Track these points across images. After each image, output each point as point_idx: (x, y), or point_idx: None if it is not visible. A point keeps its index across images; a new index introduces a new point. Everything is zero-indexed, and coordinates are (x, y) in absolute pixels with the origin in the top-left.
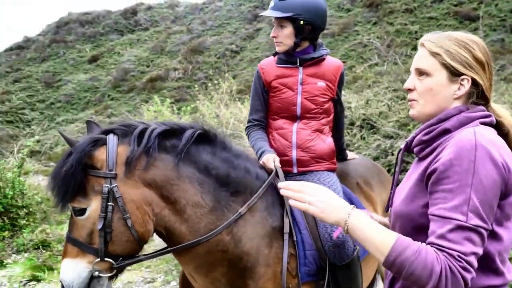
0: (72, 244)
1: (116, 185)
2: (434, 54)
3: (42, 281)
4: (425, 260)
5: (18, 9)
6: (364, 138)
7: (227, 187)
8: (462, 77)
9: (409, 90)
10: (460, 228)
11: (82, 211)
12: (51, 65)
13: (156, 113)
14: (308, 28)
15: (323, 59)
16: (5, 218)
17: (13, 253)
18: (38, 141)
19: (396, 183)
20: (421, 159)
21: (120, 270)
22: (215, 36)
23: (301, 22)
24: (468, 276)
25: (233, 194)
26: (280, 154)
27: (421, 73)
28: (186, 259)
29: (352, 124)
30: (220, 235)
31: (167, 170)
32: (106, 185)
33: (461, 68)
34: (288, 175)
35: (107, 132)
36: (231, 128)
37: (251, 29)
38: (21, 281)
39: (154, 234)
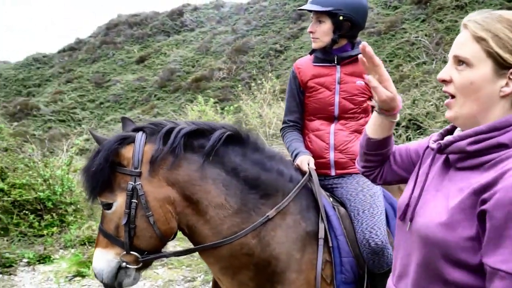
0: (103, 235)
1: (140, 183)
2: (479, 39)
3: (86, 277)
4: None
5: (70, 12)
6: (410, 139)
7: (256, 190)
8: None
9: (444, 81)
10: None
11: (109, 206)
12: (101, 66)
13: (200, 112)
14: (348, 24)
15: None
16: (54, 214)
17: (60, 248)
18: (87, 140)
19: (422, 188)
20: (460, 169)
21: (146, 263)
22: (260, 35)
23: (341, 18)
24: None
25: (263, 197)
26: (317, 156)
27: (460, 61)
28: (211, 260)
29: (397, 124)
30: (244, 238)
31: (191, 170)
32: (131, 183)
33: (510, 59)
34: (326, 178)
35: (137, 130)
36: (274, 128)
37: (295, 28)
38: (66, 276)
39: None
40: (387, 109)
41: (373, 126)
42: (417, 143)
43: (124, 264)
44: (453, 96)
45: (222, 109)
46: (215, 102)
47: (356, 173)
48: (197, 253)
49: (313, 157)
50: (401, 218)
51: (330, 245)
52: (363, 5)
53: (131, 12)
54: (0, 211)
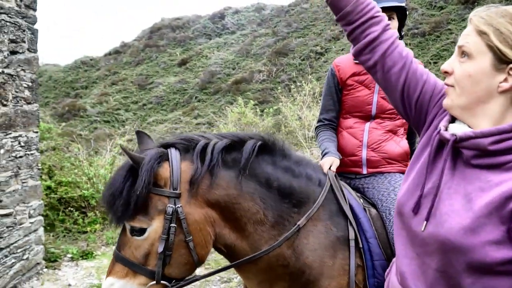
0: (122, 264)
1: (180, 205)
2: (480, 33)
3: None
4: None
5: (116, 16)
6: None
7: (289, 199)
8: (511, 65)
9: (446, 73)
10: None
11: (141, 231)
12: (144, 69)
13: (239, 114)
14: (404, 21)
15: None
16: (97, 212)
17: (102, 245)
18: (130, 140)
19: (438, 185)
20: (475, 167)
21: None
22: (300, 38)
23: (407, 13)
24: None
25: (295, 205)
26: (348, 153)
27: (463, 53)
28: (249, 275)
29: None
30: (279, 249)
31: (230, 188)
32: (170, 205)
33: (510, 54)
34: (357, 177)
35: (166, 146)
36: (313, 131)
37: (336, 30)
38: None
39: None
40: None
41: None
42: (433, 83)
43: None
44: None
45: (262, 111)
46: (254, 104)
47: (388, 172)
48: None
49: (344, 155)
50: (415, 211)
51: (361, 248)
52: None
53: (174, 16)
54: (47, 208)
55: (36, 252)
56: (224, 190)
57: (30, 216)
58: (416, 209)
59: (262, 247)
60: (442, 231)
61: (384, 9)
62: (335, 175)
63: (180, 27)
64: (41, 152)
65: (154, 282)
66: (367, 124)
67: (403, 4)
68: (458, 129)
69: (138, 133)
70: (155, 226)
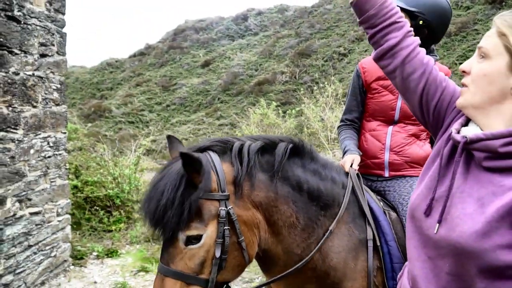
0: (174, 278)
1: (231, 207)
2: (501, 35)
3: (149, 272)
4: None
5: (141, 18)
6: None
7: (317, 201)
8: None
9: (464, 72)
10: None
11: (197, 239)
12: (168, 70)
13: (262, 116)
14: (424, 32)
15: None
16: (121, 211)
17: (127, 244)
18: (154, 141)
19: (450, 188)
20: (487, 170)
21: None
22: (323, 39)
23: (420, 22)
24: None
25: (322, 208)
26: (371, 156)
27: (481, 54)
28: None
29: None
30: (310, 253)
31: (268, 191)
32: (222, 208)
33: None
34: (379, 179)
35: (203, 149)
36: (335, 132)
37: (360, 31)
38: (131, 271)
39: None
40: None
41: None
42: (452, 90)
43: None
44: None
45: (284, 112)
46: (277, 106)
47: (410, 176)
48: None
49: (366, 157)
50: (427, 213)
51: (380, 250)
52: (447, 18)
53: (197, 18)
54: (74, 207)
55: (63, 249)
56: (264, 192)
57: (58, 215)
58: (428, 212)
59: (294, 250)
60: (454, 235)
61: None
62: (357, 174)
63: (204, 28)
64: (68, 152)
65: None
66: (390, 128)
67: (412, 9)
68: (470, 132)
69: (169, 137)
70: (209, 232)
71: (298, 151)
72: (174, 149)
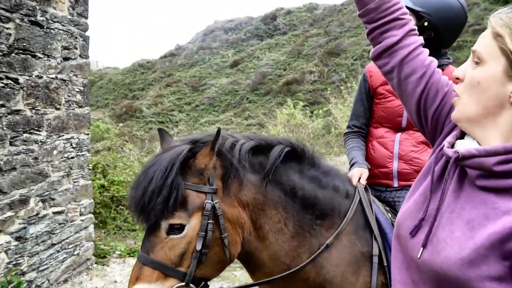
0: (152, 267)
1: (217, 201)
2: (496, 36)
3: None
4: None
5: (171, 19)
6: None
7: (312, 210)
8: None
9: (458, 79)
10: None
11: (180, 229)
12: (197, 70)
13: (288, 116)
14: (430, 34)
15: (442, 70)
16: None
17: None
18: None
19: (438, 207)
20: (481, 189)
21: None
22: (353, 37)
23: (425, 24)
24: None
25: (318, 217)
26: (378, 165)
27: (475, 59)
28: (265, 285)
29: None
30: (301, 263)
31: (256, 193)
32: (208, 201)
33: None
34: (388, 189)
35: (195, 142)
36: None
37: None
38: None
39: None
40: None
41: None
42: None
43: None
44: None
45: (312, 112)
46: (305, 106)
47: None
48: None
49: (374, 166)
50: (412, 234)
51: (385, 264)
52: (458, 21)
53: (227, 18)
54: (101, 205)
55: (86, 248)
56: (252, 193)
57: (81, 214)
58: (414, 232)
59: (282, 258)
60: (438, 260)
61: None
62: (365, 187)
63: (233, 29)
64: (97, 151)
65: (183, 283)
66: (398, 135)
67: (416, 9)
68: (464, 146)
69: (160, 130)
70: (193, 224)
71: (297, 156)
72: (165, 141)
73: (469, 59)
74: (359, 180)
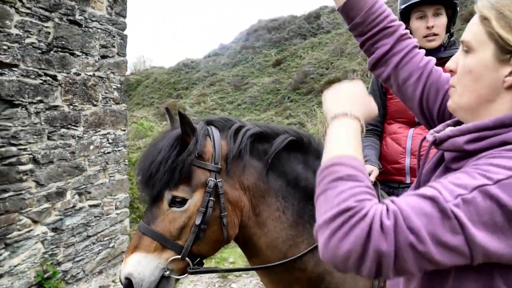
0: (152, 238)
1: (220, 180)
2: (483, 19)
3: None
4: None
5: (214, 18)
6: None
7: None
8: None
9: (451, 72)
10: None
11: (182, 202)
12: (240, 70)
13: None
14: (457, 15)
15: None
16: None
17: None
18: None
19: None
20: (453, 170)
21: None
22: None
23: (457, 9)
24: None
25: None
26: (391, 161)
27: (464, 47)
28: (262, 272)
29: None
30: (298, 253)
31: (258, 179)
32: (212, 179)
33: None
34: (400, 186)
35: (207, 122)
36: None
37: None
38: None
39: None
40: None
41: None
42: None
43: (167, 272)
44: None
45: None
46: None
47: None
48: None
49: (387, 162)
50: None
51: None
52: None
53: (270, 17)
54: (139, 200)
55: (121, 241)
56: (254, 179)
57: (117, 208)
58: None
59: (279, 246)
60: None
61: (429, 3)
62: (374, 183)
63: (276, 28)
64: (139, 148)
65: (179, 256)
66: (411, 130)
67: None
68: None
69: (168, 109)
70: (195, 199)
71: (303, 147)
72: (174, 121)
73: (459, 49)
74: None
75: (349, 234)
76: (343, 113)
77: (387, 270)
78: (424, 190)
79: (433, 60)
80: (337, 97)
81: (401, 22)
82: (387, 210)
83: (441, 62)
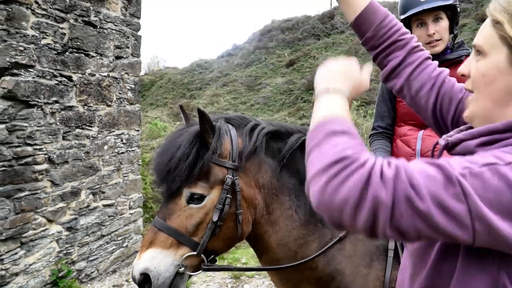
0: (168, 234)
1: (237, 178)
2: (495, 23)
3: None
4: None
5: (228, 19)
6: None
7: None
8: None
9: (464, 76)
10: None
11: (200, 199)
12: (253, 70)
13: None
14: (459, 14)
15: (461, 61)
16: None
17: None
18: None
19: None
20: None
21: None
22: None
23: (458, 10)
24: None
25: None
26: None
27: (477, 51)
28: (273, 272)
29: None
30: (309, 251)
31: (272, 177)
32: (229, 176)
33: None
34: None
35: (223, 120)
36: (367, 139)
37: None
38: None
39: None
40: None
41: (345, 12)
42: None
43: (182, 269)
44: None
45: (366, 112)
46: (361, 105)
47: None
48: None
49: None
50: None
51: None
52: None
53: (284, 17)
54: (152, 200)
55: (135, 240)
56: (269, 177)
57: (130, 208)
58: None
59: (289, 244)
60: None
61: (429, 10)
62: None
63: (290, 28)
64: (152, 148)
65: (195, 253)
66: (421, 132)
67: (450, 2)
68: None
69: (182, 107)
70: (212, 196)
71: None
72: (188, 118)
73: (471, 54)
74: None
75: (348, 180)
76: (329, 89)
77: (383, 224)
78: (432, 159)
79: (446, 71)
80: (326, 73)
81: (413, 36)
82: (389, 164)
83: (449, 64)
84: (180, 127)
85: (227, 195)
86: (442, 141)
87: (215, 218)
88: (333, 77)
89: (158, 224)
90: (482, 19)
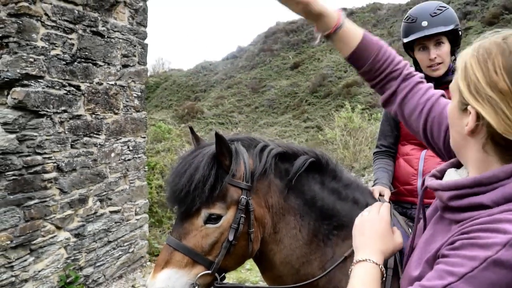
0: (184, 253)
1: (251, 198)
2: (457, 69)
3: None
4: None
5: (232, 21)
6: None
7: (330, 220)
8: (468, 107)
9: None
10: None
11: (217, 219)
12: (258, 72)
13: (346, 119)
14: (460, 37)
15: None
16: None
17: None
18: None
19: (413, 236)
20: (445, 219)
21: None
22: None
23: (460, 33)
24: None
25: (336, 228)
26: (403, 182)
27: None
28: (275, 283)
29: None
30: (310, 269)
31: (280, 198)
32: (244, 197)
33: (466, 94)
34: (413, 206)
35: (233, 141)
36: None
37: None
38: None
39: None
40: (324, 30)
41: (339, 49)
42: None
43: (196, 287)
44: None
45: (371, 115)
46: (365, 108)
47: None
48: None
49: (399, 183)
50: (405, 262)
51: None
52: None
53: (288, 20)
54: (158, 205)
55: (141, 246)
56: (277, 197)
57: (136, 214)
58: (406, 261)
59: (292, 262)
60: (403, 282)
61: (428, 37)
62: (388, 202)
63: (294, 30)
64: (157, 152)
65: (209, 271)
66: (424, 152)
67: (451, 28)
68: (449, 176)
69: (191, 128)
70: (228, 216)
71: (321, 167)
72: (198, 138)
73: None
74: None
75: None
76: (366, 260)
77: None
78: None
79: (437, 94)
80: (363, 234)
81: (406, 62)
82: None
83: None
84: (192, 148)
85: (242, 215)
86: (428, 179)
87: (231, 238)
88: (373, 244)
89: (173, 243)
90: (488, 22)
